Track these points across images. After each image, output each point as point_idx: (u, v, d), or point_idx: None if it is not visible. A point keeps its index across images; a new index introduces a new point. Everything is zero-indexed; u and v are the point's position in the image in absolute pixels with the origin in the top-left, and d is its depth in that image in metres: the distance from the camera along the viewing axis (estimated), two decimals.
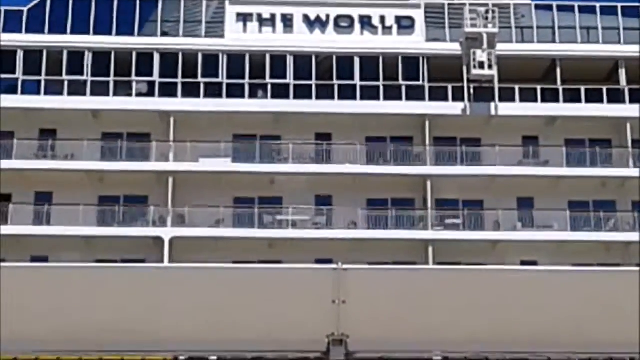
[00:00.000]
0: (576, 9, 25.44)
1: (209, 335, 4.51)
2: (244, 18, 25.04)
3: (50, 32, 24.07)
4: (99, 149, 23.90)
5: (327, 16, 25.09)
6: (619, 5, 25.73)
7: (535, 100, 24.76)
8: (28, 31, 24.08)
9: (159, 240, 22.79)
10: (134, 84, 24.17)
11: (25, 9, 24.45)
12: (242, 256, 19.96)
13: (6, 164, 22.44)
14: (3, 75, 23.40)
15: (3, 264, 5.12)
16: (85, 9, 24.33)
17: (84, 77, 23.90)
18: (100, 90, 23.92)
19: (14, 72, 23.69)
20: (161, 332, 4.54)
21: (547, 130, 24.86)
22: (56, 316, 4.47)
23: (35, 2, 24.42)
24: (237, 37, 24.73)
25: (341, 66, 24.44)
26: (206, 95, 24.17)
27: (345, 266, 4.73)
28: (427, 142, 24.07)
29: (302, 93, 24.20)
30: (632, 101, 24.52)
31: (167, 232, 22.91)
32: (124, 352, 4.55)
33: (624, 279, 5.12)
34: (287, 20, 25.07)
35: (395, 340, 4.54)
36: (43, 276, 5.20)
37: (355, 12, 25.28)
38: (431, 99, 24.35)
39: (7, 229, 21.79)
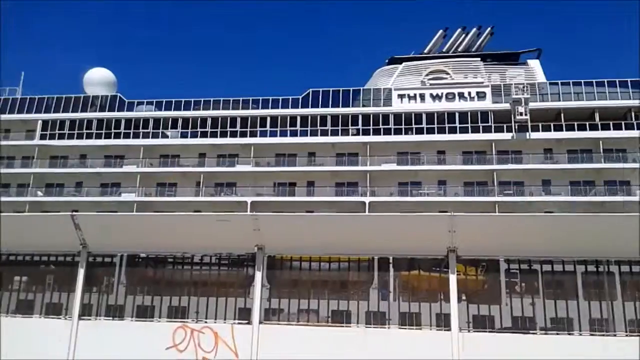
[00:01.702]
0: (571, 84, 48.96)
1: None
2: (401, 96, 50.52)
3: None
4: (333, 161, 49.67)
5: (442, 93, 50.01)
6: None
7: (550, 130, 48.16)
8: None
9: (361, 204, 47.91)
10: (350, 130, 49.98)
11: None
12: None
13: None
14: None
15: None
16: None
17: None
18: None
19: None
20: None
21: (557, 145, 47.97)
22: None
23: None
24: (398, 106, 50.21)
25: (450, 117, 49.11)
26: (384, 133, 49.49)
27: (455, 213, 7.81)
28: (494, 152, 47.88)
29: (431, 131, 49.07)
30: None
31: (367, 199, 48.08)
32: None
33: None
34: (422, 97, 50.29)
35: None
36: None
37: (456, 90, 50.05)
38: (495, 131, 48.42)
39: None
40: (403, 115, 49.43)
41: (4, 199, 51.08)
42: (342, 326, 8.05)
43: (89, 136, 52.75)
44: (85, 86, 56.80)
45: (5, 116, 54.55)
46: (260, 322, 7.96)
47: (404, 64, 52.84)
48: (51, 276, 8.97)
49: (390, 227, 8.26)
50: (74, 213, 8.41)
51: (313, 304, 8.30)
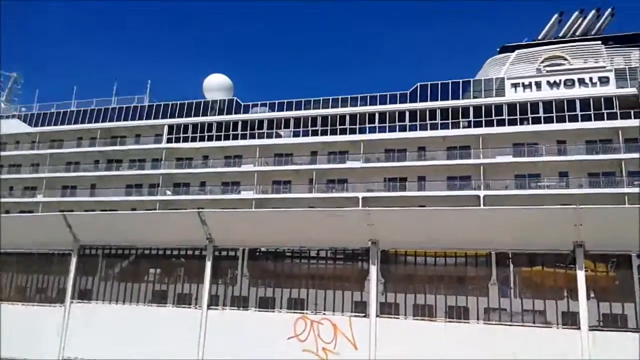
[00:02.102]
0: None
1: None
2: (514, 85, 48.15)
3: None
4: (445, 155, 48.52)
5: (559, 80, 46.94)
6: None
7: None
8: None
9: (475, 197, 46.28)
10: (461, 123, 48.53)
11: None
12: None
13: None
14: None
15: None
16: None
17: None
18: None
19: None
20: None
21: None
22: None
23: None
24: (512, 95, 47.89)
25: (570, 105, 45.98)
26: (497, 124, 47.44)
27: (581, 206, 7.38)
28: (621, 141, 44.13)
29: (549, 120, 46.29)
30: None
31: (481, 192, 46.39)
32: None
33: None
34: (537, 85, 47.56)
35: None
36: None
37: (575, 77, 46.77)
38: (621, 117, 44.58)
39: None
40: (518, 104, 47.05)
41: (136, 197, 55.67)
42: (461, 322, 7.84)
43: (209, 138, 55.88)
44: (205, 92, 60.31)
45: (136, 122, 59.39)
46: (377, 316, 7.98)
47: (516, 51, 50.28)
48: (181, 269, 9.58)
49: (509, 221, 7.92)
50: (201, 210, 8.92)
51: (429, 299, 8.17)
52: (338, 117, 51.88)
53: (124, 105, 61.33)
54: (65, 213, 10.05)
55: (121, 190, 57.40)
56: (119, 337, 9.18)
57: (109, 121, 60.69)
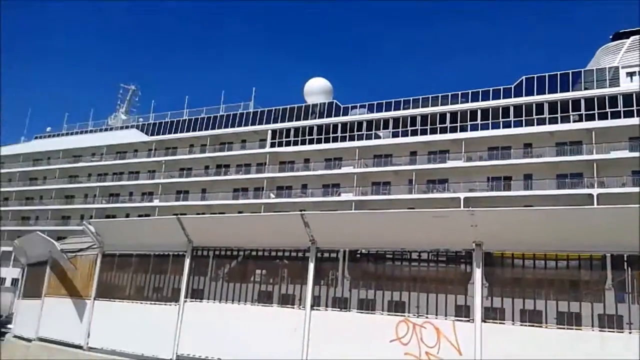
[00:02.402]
0: None
1: None
2: (630, 74, 44.47)
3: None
4: (553, 151, 45.84)
5: None
6: None
7: None
8: None
9: (587, 196, 43.23)
10: (571, 117, 45.61)
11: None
12: None
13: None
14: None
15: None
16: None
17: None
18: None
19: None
20: None
21: None
22: None
23: None
24: (627, 85, 44.25)
25: None
26: (611, 117, 44.02)
27: None
28: None
29: None
30: None
31: None
32: None
33: None
34: None
35: None
36: None
37: None
38: None
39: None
40: (634, 95, 43.36)
41: (243, 201, 57.90)
42: (573, 329, 7.34)
43: (310, 142, 56.88)
44: (306, 96, 61.57)
45: (242, 128, 61.85)
46: (483, 321, 7.68)
47: (631, 38, 46.28)
48: (285, 270, 9.79)
49: (626, 221, 7.29)
50: (303, 212, 9.08)
51: (538, 304, 7.72)
52: (438, 115, 50.64)
53: (231, 113, 64.11)
54: (179, 216, 10.61)
55: (229, 193, 60.00)
56: (227, 335, 9.56)
57: (217, 128, 63.70)
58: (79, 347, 11.63)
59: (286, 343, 8.85)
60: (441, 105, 51.08)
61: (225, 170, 62.28)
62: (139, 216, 55.57)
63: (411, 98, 53.19)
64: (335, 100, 58.39)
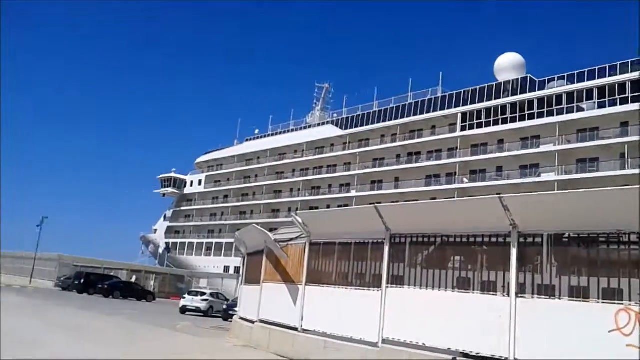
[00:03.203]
0: None
1: None
2: None
3: None
4: None
5: None
6: None
7: None
8: None
9: None
10: None
11: None
12: None
13: None
14: None
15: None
16: None
17: None
18: None
19: None
20: None
21: None
22: None
23: None
24: None
25: None
26: None
27: None
28: None
29: None
30: None
31: None
32: None
33: None
34: None
35: None
36: None
37: None
38: None
39: None
40: None
41: (435, 187, 57.23)
42: None
43: (504, 121, 53.88)
44: (496, 73, 58.29)
45: (430, 114, 61.08)
46: None
47: None
48: (484, 256, 9.43)
49: None
50: (501, 195, 8.65)
51: None
52: None
53: (419, 100, 63.69)
54: (376, 205, 10.88)
55: (421, 181, 59.82)
56: (429, 321, 9.55)
57: (406, 116, 63.86)
58: (294, 329, 12.62)
59: (490, 330, 8.54)
60: None
61: (416, 158, 62.20)
62: (338, 206, 58.26)
63: (618, 63, 47.09)
64: (529, 75, 54.38)
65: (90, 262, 55.14)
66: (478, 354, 8.58)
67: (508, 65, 57.52)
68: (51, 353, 11.09)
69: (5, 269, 65.07)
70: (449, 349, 8.90)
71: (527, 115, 52.13)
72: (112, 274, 50.29)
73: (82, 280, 43.06)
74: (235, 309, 21.22)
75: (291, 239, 13.98)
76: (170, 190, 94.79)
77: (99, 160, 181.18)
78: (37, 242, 55.42)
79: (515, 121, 52.98)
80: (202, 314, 31.80)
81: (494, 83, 56.59)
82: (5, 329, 13.92)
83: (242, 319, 17.34)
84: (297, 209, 62.74)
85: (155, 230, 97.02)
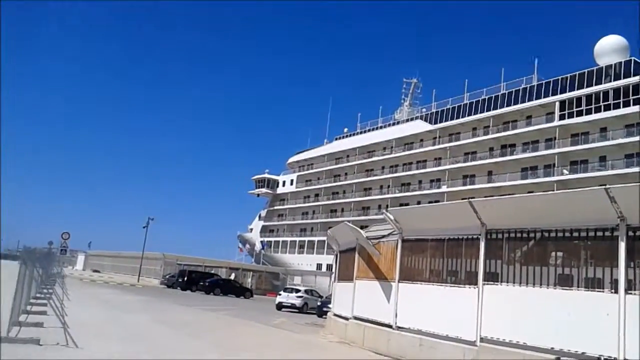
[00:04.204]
0: None
1: None
2: None
3: None
4: None
5: None
6: None
7: None
8: None
9: None
10: None
11: None
12: None
13: None
14: None
15: None
16: None
17: None
18: None
19: None
20: None
21: None
22: None
23: None
24: None
25: None
26: None
27: None
28: None
29: None
30: None
31: None
32: None
33: None
34: None
35: None
36: None
37: None
38: None
39: None
40: None
41: (532, 180, 54.60)
42: None
43: (606, 108, 50.40)
44: (597, 57, 54.57)
45: (526, 104, 58.33)
46: None
47: None
48: (588, 251, 8.89)
49: None
50: (608, 186, 8.13)
51: None
52: None
53: (512, 90, 61.06)
54: (471, 200, 10.56)
55: (516, 174, 57.37)
56: (528, 319, 9.15)
57: (500, 108, 61.50)
58: (389, 326, 12.57)
59: (596, 329, 8.05)
60: None
61: (510, 150, 59.72)
62: (429, 202, 57.22)
63: None
64: (633, 57, 50.40)
65: (192, 260, 57.92)
66: (584, 353, 8.11)
67: (609, 48, 53.63)
68: (154, 346, 11.81)
69: (116, 267, 70.13)
70: (552, 348, 8.48)
71: (632, 101, 48.37)
72: (212, 271, 52.48)
73: (185, 278, 45.28)
74: (329, 305, 21.49)
75: (383, 236, 13.93)
76: (264, 190, 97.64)
77: (196, 161, 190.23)
78: (144, 242, 58.96)
79: (618, 107, 49.35)
80: (297, 310, 32.48)
81: (595, 68, 53.01)
82: (122, 322, 15.00)
83: (336, 315, 17.52)
84: (387, 206, 62.35)
85: (251, 229, 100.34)
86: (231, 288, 44.89)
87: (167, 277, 51.56)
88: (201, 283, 43.83)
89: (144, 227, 59.61)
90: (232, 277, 52.45)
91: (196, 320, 19.60)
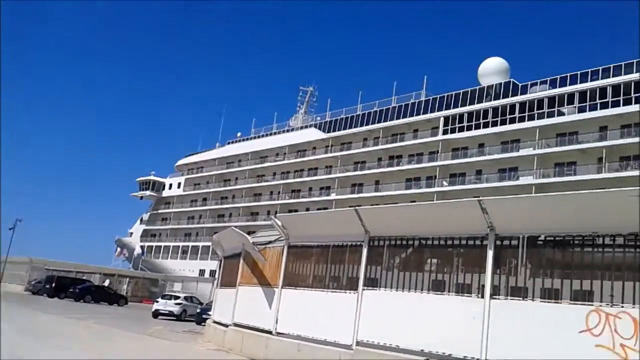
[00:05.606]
0: None
1: None
2: None
3: None
4: None
5: None
6: None
7: None
8: None
9: None
10: None
11: None
12: None
13: None
14: None
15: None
16: None
17: None
18: None
19: None
20: None
21: None
22: None
23: None
24: None
25: None
26: None
27: None
28: None
29: None
30: None
31: None
32: None
33: None
34: None
35: None
36: None
37: None
38: None
39: None
40: None
41: (415, 190, 57.66)
42: None
43: (485, 125, 54.54)
44: (480, 77, 58.88)
45: (413, 118, 61.56)
46: None
47: None
48: (459, 258, 9.56)
49: None
50: (481, 198, 8.78)
51: None
52: (633, 84, 45.01)
53: (402, 104, 64.15)
54: (356, 208, 10.93)
55: (401, 184, 60.21)
56: (404, 323, 9.63)
57: (390, 120, 64.27)
58: (269, 332, 12.64)
59: (463, 332, 8.67)
60: (637, 72, 45.21)
61: (397, 161, 62.61)
62: (318, 209, 58.29)
63: (600, 67, 47.95)
64: (512, 79, 55.12)
65: (63, 265, 54.24)
66: (450, 355, 8.70)
67: (492, 69, 58.23)
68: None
69: None
70: (422, 350, 9.01)
71: (508, 120, 52.88)
72: (84, 277, 49.61)
73: (53, 284, 42.52)
74: (209, 312, 21.13)
75: (269, 242, 14.00)
76: (148, 193, 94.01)
77: (75, 161, 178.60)
78: (9, 245, 54.32)
79: (496, 125, 53.69)
80: (175, 318, 31.58)
81: (477, 87, 57.27)
82: None
83: (215, 322, 17.29)
84: (276, 212, 62.56)
85: (131, 233, 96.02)
86: (104, 295, 42.70)
87: (32, 283, 47.93)
88: (71, 290, 41.24)
89: (10, 229, 54.95)
90: (107, 283, 49.85)
91: (62, 330, 18.36)
